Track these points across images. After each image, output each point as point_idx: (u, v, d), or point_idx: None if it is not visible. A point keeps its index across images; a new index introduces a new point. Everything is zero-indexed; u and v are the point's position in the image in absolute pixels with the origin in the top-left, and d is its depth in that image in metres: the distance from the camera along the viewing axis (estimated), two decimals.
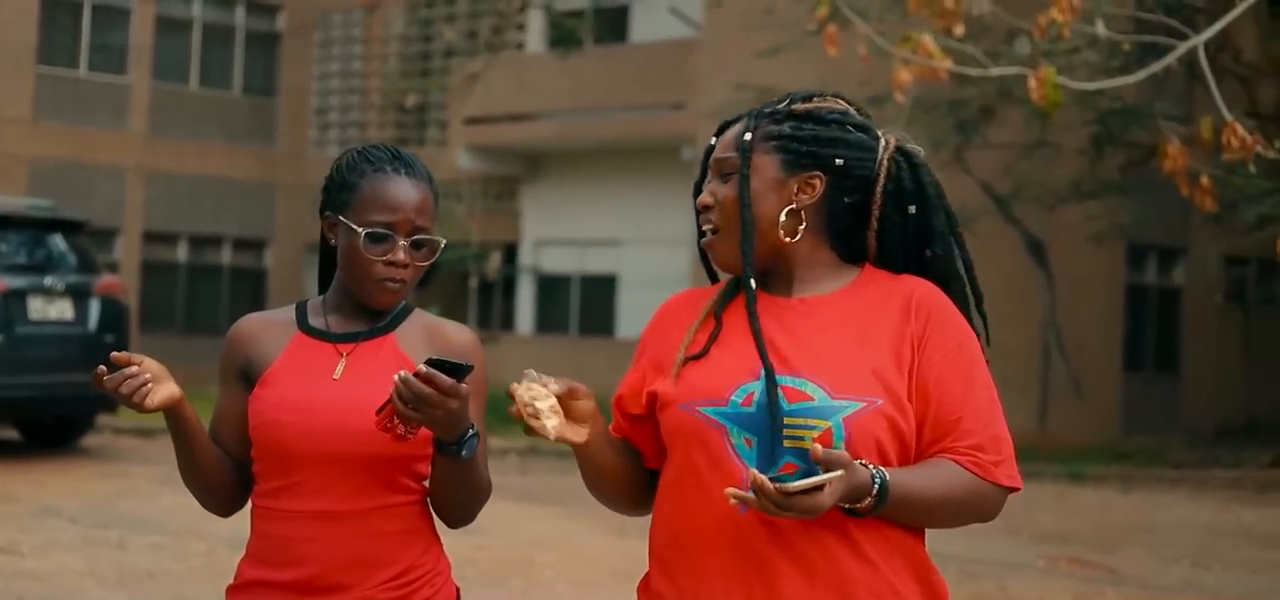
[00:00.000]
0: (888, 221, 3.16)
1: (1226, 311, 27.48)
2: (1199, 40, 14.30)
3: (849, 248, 3.18)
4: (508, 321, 31.55)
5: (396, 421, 3.25)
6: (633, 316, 29.29)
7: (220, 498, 3.60)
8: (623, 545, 12.51)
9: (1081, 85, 14.49)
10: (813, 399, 2.97)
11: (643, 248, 29.27)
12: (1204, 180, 14.92)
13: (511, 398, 3.01)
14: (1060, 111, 15.67)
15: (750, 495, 2.75)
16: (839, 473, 2.75)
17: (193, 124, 33.20)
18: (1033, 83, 12.66)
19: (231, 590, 3.56)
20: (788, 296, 3.13)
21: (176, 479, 13.02)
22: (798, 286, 3.14)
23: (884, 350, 3.03)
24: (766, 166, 3.11)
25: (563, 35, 30.00)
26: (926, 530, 3.08)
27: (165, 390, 3.32)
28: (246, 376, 3.55)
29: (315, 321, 3.57)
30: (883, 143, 3.15)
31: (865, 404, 2.96)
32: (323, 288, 3.69)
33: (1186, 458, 21.81)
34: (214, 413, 3.61)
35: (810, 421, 2.95)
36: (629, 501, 3.30)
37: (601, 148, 29.73)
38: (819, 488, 2.73)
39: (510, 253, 31.34)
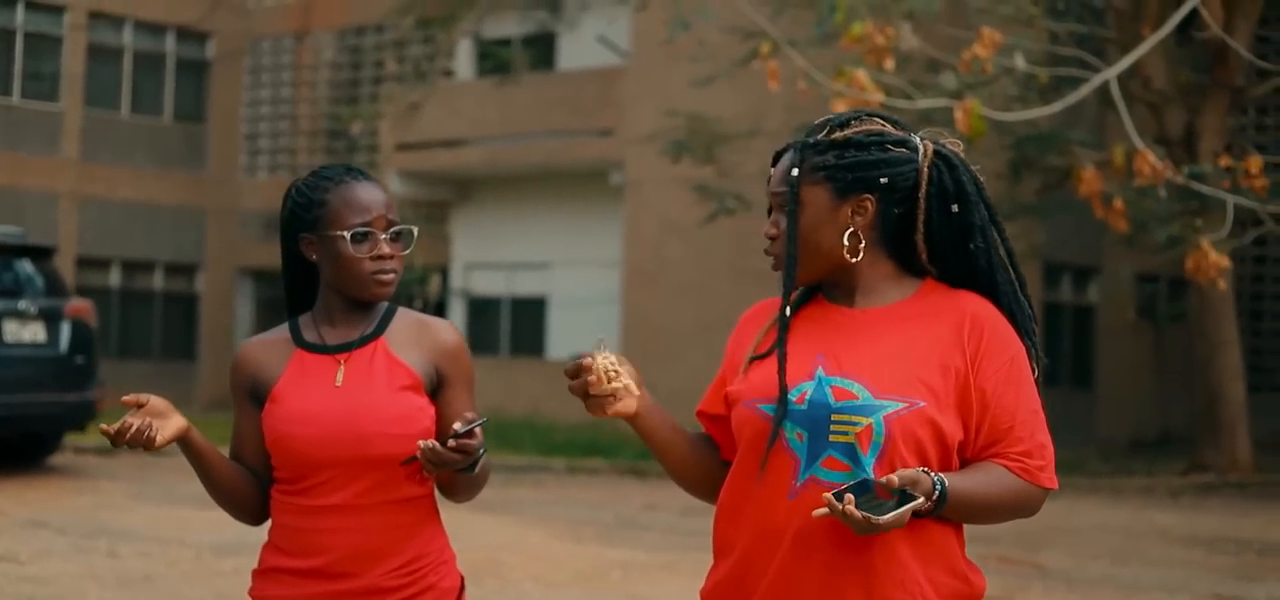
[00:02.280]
0: (933, 222, 3.34)
1: (1139, 328, 28.40)
2: (1112, 72, 15.21)
3: (903, 253, 3.38)
4: None
5: (422, 473, 3.75)
6: (562, 338, 29.93)
7: (246, 509, 3.93)
8: (581, 549, 13.28)
9: (1004, 116, 15.30)
10: (857, 398, 3.22)
11: (572, 270, 29.91)
12: (1117, 203, 15.84)
13: (580, 367, 3.30)
14: (980, 138, 16.50)
15: (837, 507, 3.03)
16: (921, 500, 3.05)
17: (124, 150, 33.47)
18: (959, 114, 13.46)
19: (256, 574, 3.91)
20: (851, 307, 3.37)
21: (149, 493, 14.03)
22: (860, 298, 3.37)
23: (932, 358, 3.26)
24: (818, 197, 3.31)
25: (493, 63, 30.58)
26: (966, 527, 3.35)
27: (171, 426, 3.66)
28: (255, 397, 3.86)
29: (310, 336, 3.88)
30: (921, 150, 3.35)
31: (906, 405, 3.20)
32: (291, 307, 3.98)
33: (1102, 468, 22.56)
34: (232, 435, 3.94)
35: (854, 418, 3.20)
36: (708, 489, 3.53)
37: (531, 172, 30.31)
38: (901, 515, 3.04)
39: (441, 276, 31.85)
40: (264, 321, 34.70)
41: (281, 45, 35.29)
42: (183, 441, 3.72)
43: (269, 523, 3.94)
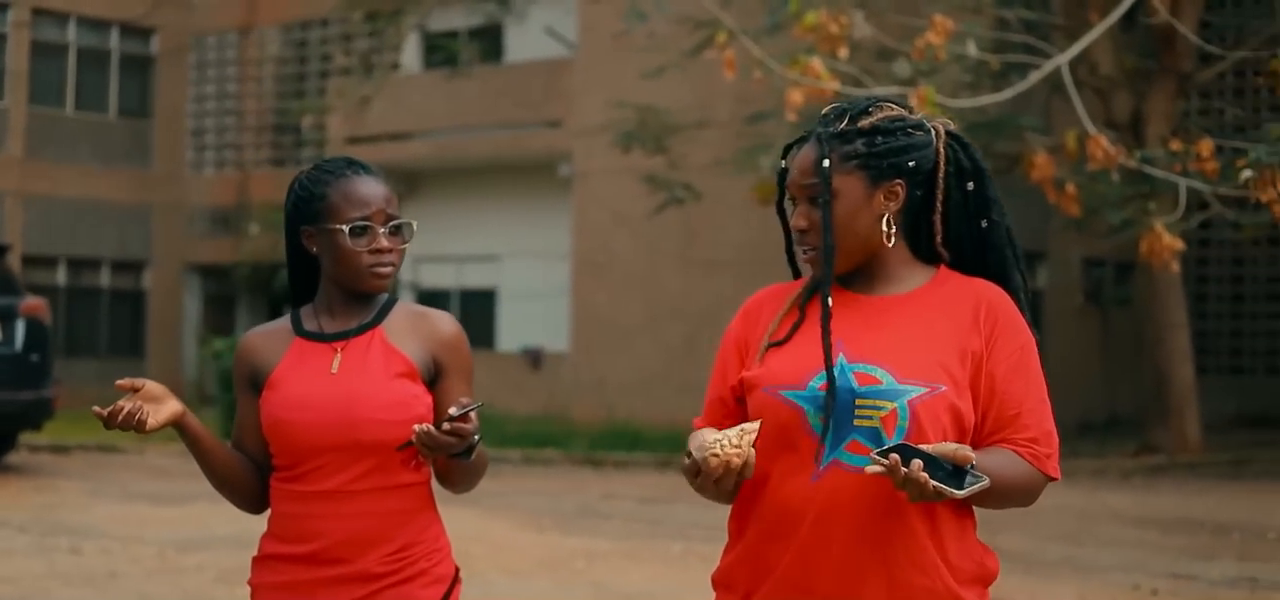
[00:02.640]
0: (951, 200, 3.42)
1: (1086, 311, 28.65)
2: (1064, 58, 15.35)
3: (917, 237, 3.44)
4: None
5: (418, 457, 3.80)
6: (512, 329, 29.96)
7: (246, 496, 3.97)
8: (543, 539, 13.35)
9: (959, 103, 15.41)
10: (881, 383, 3.25)
11: (521, 262, 29.94)
12: (1069, 188, 15.97)
13: (715, 467, 3.17)
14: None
15: (885, 463, 3.01)
16: (986, 480, 3.07)
17: (70, 147, 33.36)
18: (914, 101, 13.55)
19: (255, 561, 3.94)
20: (870, 294, 3.40)
21: (107, 491, 14.03)
22: (880, 284, 3.40)
23: (951, 344, 3.30)
24: (852, 185, 3.34)
25: (441, 55, 30.56)
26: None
27: (165, 410, 3.71)
28: (254, 385, 3.91)
29: (309, 325, 3.93)
30: (935, 132, 3.41)
31: (929, 390, 3.24)
32: (294, 298, 4.03)
33: None
34: (235, 424, 4.01)
35: (878, 403, 3.24)
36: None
37: (479, 165, 30.31)
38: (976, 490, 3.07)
39: None
40: (212, 317, 34.64)
41: (226, 40, 35.21)
42: (179, 427, 3.75)
43: (269, 513, 3.96)
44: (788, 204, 3.50)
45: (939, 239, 3.44)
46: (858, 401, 3.24)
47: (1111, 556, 12.94)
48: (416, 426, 3.64)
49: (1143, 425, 23.35)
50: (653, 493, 17.58)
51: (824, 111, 3.47)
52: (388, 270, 3.87)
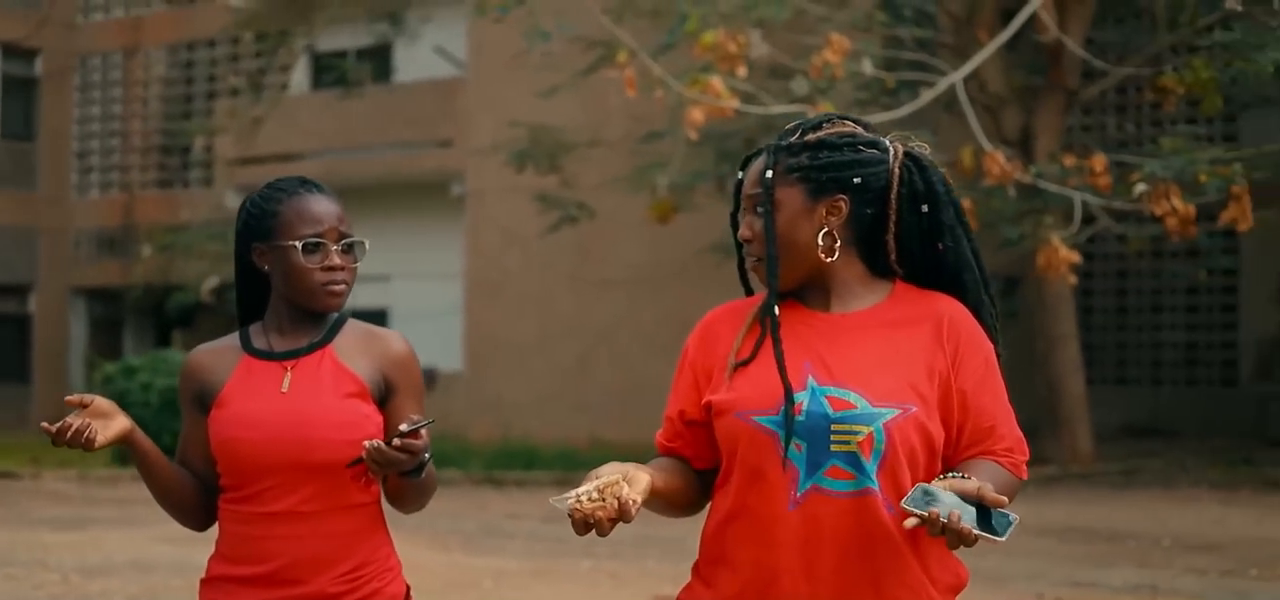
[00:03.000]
0: (904, 223, 3.37)
1: None
2: (958, 75, 15.57)
3: (873, 255, 3.39)
4: None
5: (368, 474, 3.73)
6: None
7: (191, 514, 3.91)
8: (450, 559, 13.35)
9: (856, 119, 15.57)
10: (856, 407, 3.21)
11: (413, 282, 29.84)
12: (966, 203, 16.16)
13: (578, 519, 3.09)
14: None
15: (923, 515, 2.98)
16: (1016, 519, 3.04)
17: None
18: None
19: (204, 583, 3.87)
20: (826, 311, 3.37)
21: (6, 517, 13.91)
22: (835, 301, 3.37)
23: (918, 363, 3.28)
24: (793, 197, 3.32)
25: (331, 75, 30.45)
26: None
27: (114, 427, 3.65)
28: (201, 403, 3.84)
29: (259, 343, 3.87)
30: (892, 151, 3.36)
31: (901, 411, 3.22)
32: (242, 316, 3.98)
33: None
34: (180, 441, 3.91)
35: (855, 427, 3.20)
36: (690, 505, 3.48)
37: (370, 185, 30.15)
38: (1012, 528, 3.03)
39: None
40: (98, 341, 34.28)
41: (111, 61, 34.92)
42: (128, 442, 3.70)
43: (217, 534, 3.90)
44: (740, 216, 3.47)
45: (893, 258, 3.40)
46: (834, 427, 3.21)
47: (1013, 566, 13.09)
48: (366, 442, 3.59)
49: (1034, 436, 23.50)
50: (557, 513, 17.49)
51: (786, 127, 3.48)
52: (341, 288, 3.83)
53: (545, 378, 26.89)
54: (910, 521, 3.00)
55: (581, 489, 3.10)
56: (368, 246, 3.91)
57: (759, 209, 3.35)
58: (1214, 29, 18.31)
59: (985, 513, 3.03)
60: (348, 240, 3.86)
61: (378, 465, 3.59)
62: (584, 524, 3.09)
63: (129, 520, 15.94)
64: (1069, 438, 22.09)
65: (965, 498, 3.02)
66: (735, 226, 3.48)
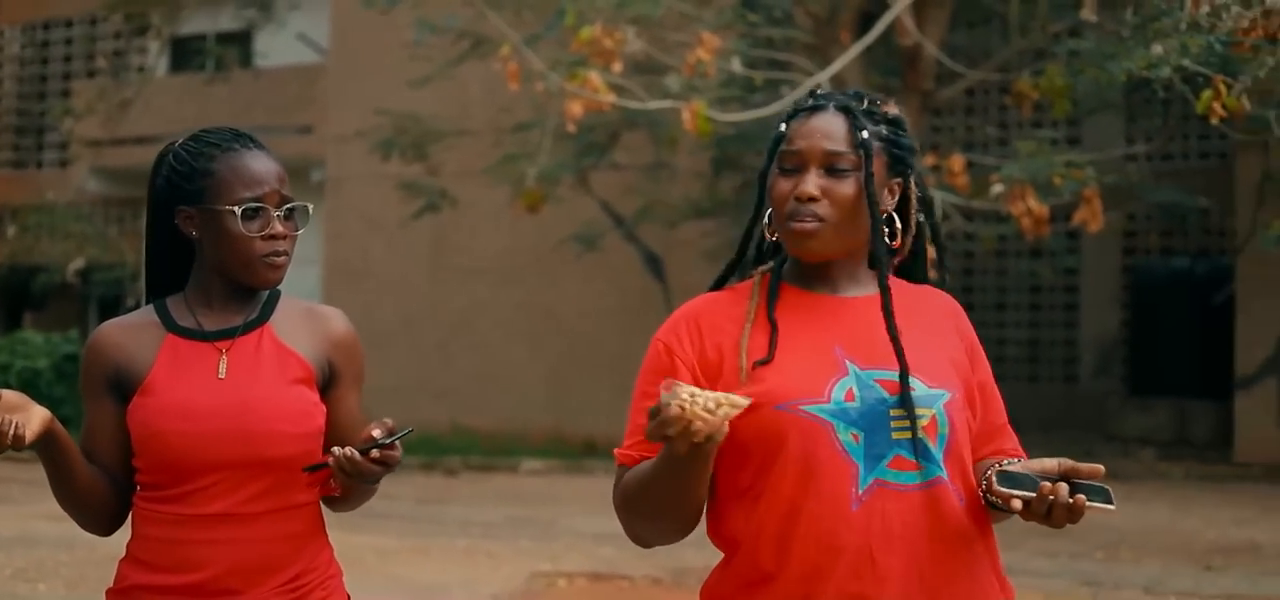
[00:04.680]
0: (918, 226, 3.23)
1: None
2: (824, 76, 16.09)
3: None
4: None
5: (330, 480, 3.37)
6: None
7: (100, 516, 3.45)
8: (332, 536, 13.59)
9: (729, 116, 16.05)
10: (914, 390, 2.95)
11: None
12: None
13: (672, 415, 2.69)
14: (682, 137, 17.19)
15: (1029, 496, 2.81)
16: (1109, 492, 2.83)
17: None
18: (686, 114, 14.14)
19: (112, 594, 3.44)
20: (832, 295, 3.10)
21: None
22: (843, 285, 3.12)
23: (947, 348, 3.09)
24: (880, 167, 3.07)
25: (193, 59, 30.41)
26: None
27: (36, 419, 3.18)
28: (118, 389, 3.38)
29: (185, 321, 3.41)
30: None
31: (952, 394, 3.00)
32: (152, 288, 3.53)
33: None
34: (84, 430, 3.43)
35: (919, 411, 2.94)
36: (686, 523, 3.05)
37: None
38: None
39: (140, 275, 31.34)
40: None
41: None
42: (48, 435, 3.24)
43: (130, 536, 3.48)
44: (774, 175, 3.12)
45: (897, 256, 3.23)
46: (892, 411, 2.95)
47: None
48: (337, 450, 3.24)
49: None
50: (425, 494, 17.92)
51: (824, 91, 3.22)
52: (283, 259, 3.40)
53: (405, 366, 27.07)
54: (1016, 503, 2.83)
55: (702, 394, 2.71)
56: (311, 211, 3.52)
57: (836, 170, 3.03)
58: (1061, 37, 19.02)
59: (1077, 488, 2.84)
60: (289, 204, 3.42)
61: (348, 476, 3.26)
62: (683, 424, 2.68)
63: (4, 498, 16.03)
64: None
65: (1046, 477, 2.85)
66: (762, 182, 3.16)
